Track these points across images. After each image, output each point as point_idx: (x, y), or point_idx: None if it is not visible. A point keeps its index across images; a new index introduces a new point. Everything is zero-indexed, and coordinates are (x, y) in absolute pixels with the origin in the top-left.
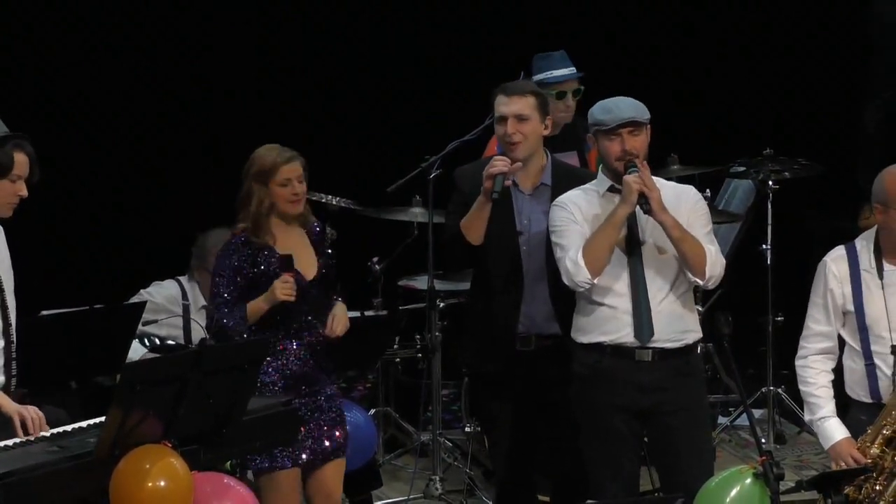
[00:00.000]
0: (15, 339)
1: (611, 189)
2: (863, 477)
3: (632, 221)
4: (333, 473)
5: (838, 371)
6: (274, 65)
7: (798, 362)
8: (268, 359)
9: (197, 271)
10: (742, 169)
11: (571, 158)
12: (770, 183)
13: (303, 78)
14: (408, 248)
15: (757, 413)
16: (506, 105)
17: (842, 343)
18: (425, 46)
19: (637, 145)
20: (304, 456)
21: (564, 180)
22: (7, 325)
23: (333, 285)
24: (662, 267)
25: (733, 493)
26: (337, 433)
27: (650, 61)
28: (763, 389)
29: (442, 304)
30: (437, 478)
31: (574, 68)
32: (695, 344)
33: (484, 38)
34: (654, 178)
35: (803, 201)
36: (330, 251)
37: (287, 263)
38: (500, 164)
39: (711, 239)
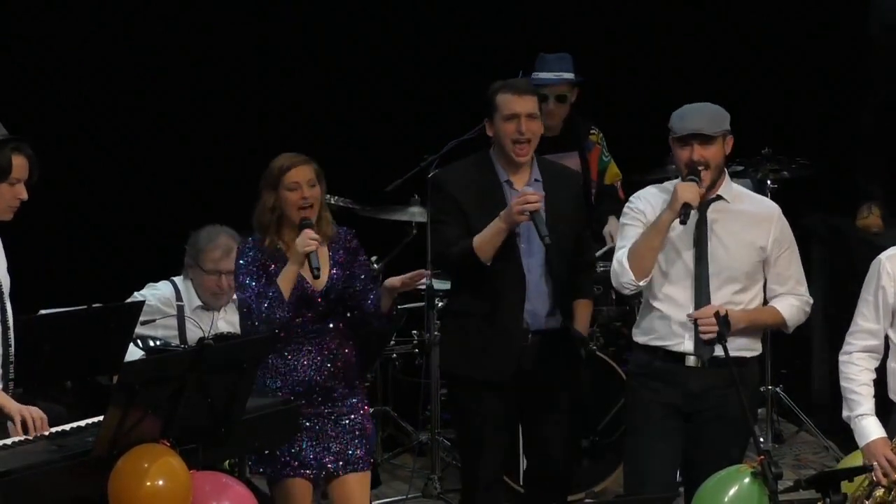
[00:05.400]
0: (13, 343)
1: None
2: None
3: (699, 234)
4: (358, 486)
5: (881, 374)
6: (274, 65)
7: (842, 358)
8: (277, 364)
9: (191, 270)
10: (741, 168)
11: (572, 158)
12: (769, 182)
13: (302, 78)
14: (406, 248)
15: None
16: (519, 103)
17: (887, 344)
18: (424, 46)
19: (707, 155)
20: (327, 466)
21: (552, 175)
22: (6, 328)
23: (343, 298)
24: (728, 283)
25: (731, 492)
26: (359, 446)
27: (650, 61)
28: (761, 389)
29: (440, 304)
30: (436, 477)
31: (561, 73)
32: (752, 358)
33: (483, 38)
34: (734, 185)
35: (802, 200)
36: (363, 268)
37: (306, 223)
38: (534, 199)
39: (798, 277)
